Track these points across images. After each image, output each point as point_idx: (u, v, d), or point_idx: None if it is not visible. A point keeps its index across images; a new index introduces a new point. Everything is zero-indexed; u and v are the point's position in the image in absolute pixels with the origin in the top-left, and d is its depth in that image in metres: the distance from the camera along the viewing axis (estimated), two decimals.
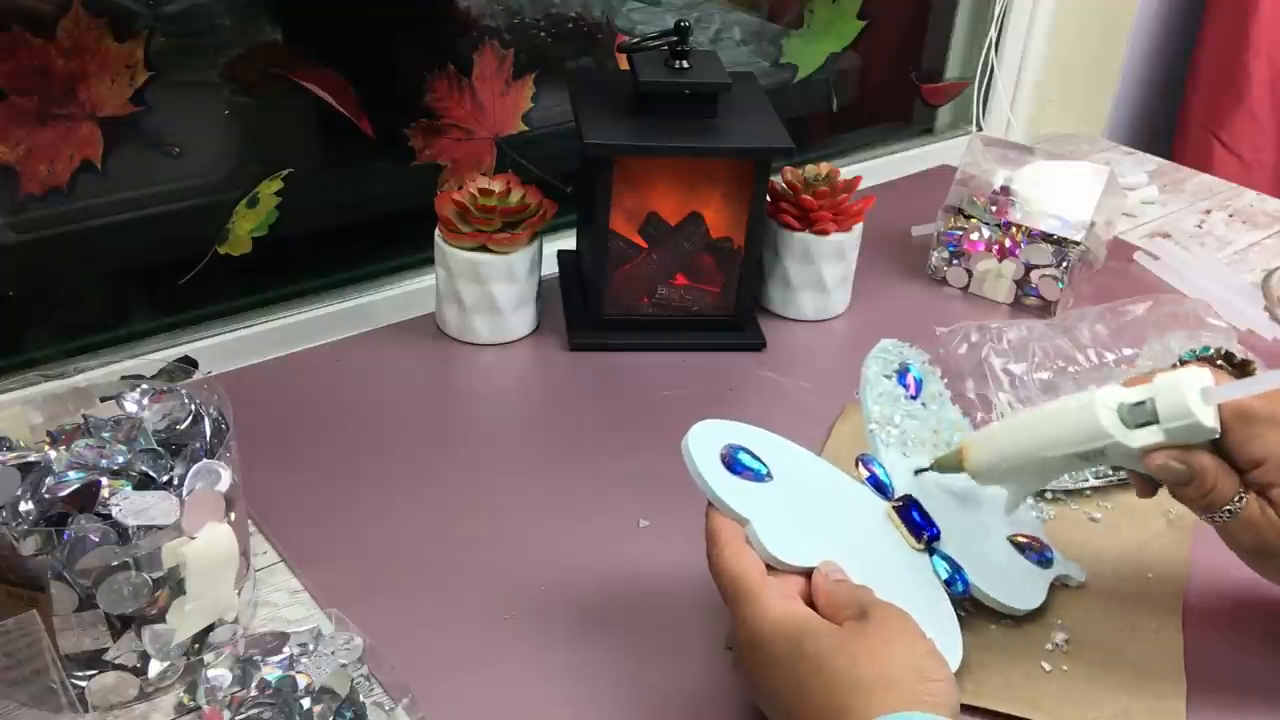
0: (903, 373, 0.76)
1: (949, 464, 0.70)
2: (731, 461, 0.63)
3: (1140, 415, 0.61)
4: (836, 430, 0.88)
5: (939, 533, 0.68)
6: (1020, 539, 0.74)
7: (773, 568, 0.60)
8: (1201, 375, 0.60)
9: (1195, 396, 0.59)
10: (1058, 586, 0.73)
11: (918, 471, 0.72)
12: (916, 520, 0.68)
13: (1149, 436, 0.60)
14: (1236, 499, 0.60)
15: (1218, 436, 0.60)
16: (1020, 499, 0.70)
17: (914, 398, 0.75)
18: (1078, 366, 0.89)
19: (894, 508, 0.69)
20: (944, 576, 0.67)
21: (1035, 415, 0.66)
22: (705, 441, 0.63)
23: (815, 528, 0.64)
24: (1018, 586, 0.70)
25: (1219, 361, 0.86)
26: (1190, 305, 0.95)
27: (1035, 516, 0.78)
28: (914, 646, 0.56)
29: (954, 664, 0.63)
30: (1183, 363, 0.85)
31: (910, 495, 0.69)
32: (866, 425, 0.73)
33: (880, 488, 0.70)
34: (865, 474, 0.70)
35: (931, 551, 0.68)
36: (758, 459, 0.64)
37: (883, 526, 0.68)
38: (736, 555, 0.60)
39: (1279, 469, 0.60)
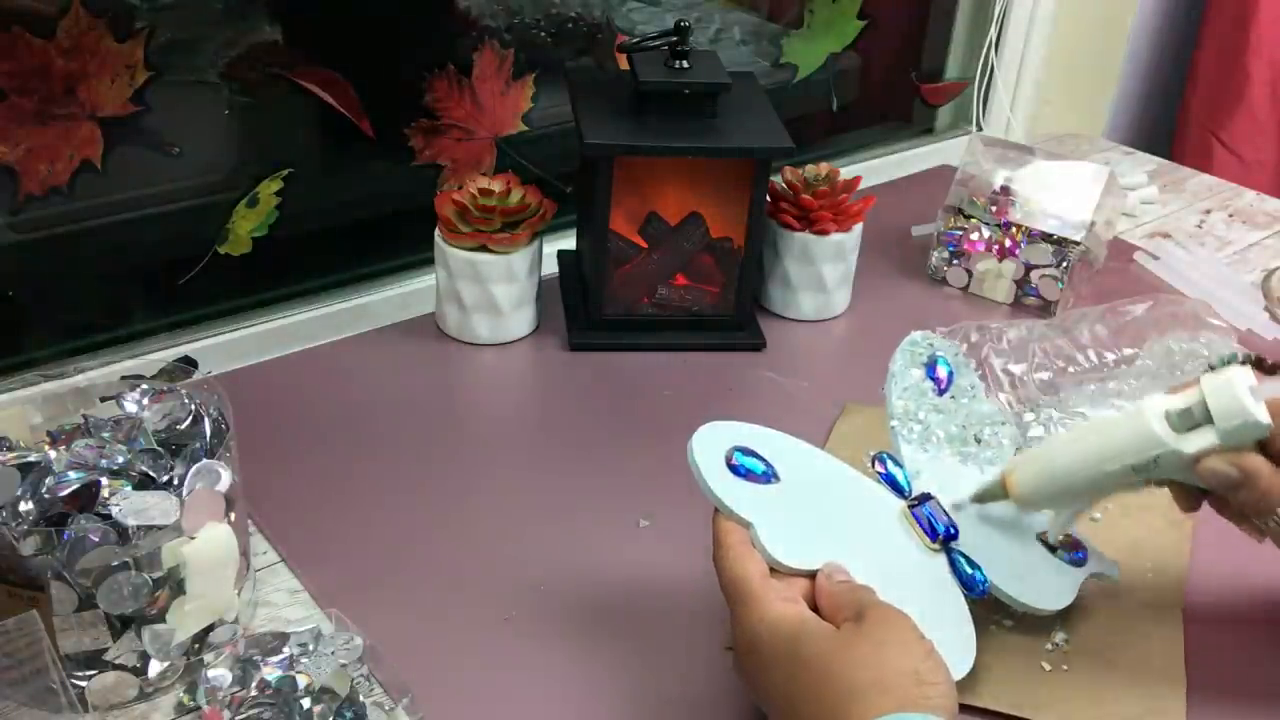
0: (931, 365, 0.74)
1: (992, 493, 0.68)
2: (736, 464, 0.63)
3: (1188, 420, 0.60)
4: (837, 430, 0.88)
5: (956, 532, 0.67)
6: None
7: (777, 570, 0.60)
8: (1246, 374, 0.59)
9: (1247, 394, 0.58)
10: (1088, 584, 0.71)
11: (957, 507, 0.69)
12: (931, 520, 0.67)
13: (1202, 439, 0.60)
14: None
15: (1269, 435, 0.59)
16: (1068, 523, 0.68)
17: (943, 392, 0.73)
18: (1078, 366, 0.89)
19: (909, 507, 0.68)
20: (961, 577, 0.66)
21: (1080, 432, 0.65)
22: (710, 444, 0.63)
23: (823, 529, 0.64)
24: (1043, 586, 0.69)
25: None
26: (1190, 305, 0.95)
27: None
28: (910, 649, 0.55)
29: (966, 666, 0.63)
30: (1211, 369, 0.85)
31: (927, 494, 0.68)
32: (888, 421, 0.72)
33: (896, 486, 0.69)
34: (880, 472, 0.69)
35: (949, 551, 0.67)
36: (763, 460, 0.64)
37: (897, 526, 0.67)
38: (740, 558, 0.60)
39: None
